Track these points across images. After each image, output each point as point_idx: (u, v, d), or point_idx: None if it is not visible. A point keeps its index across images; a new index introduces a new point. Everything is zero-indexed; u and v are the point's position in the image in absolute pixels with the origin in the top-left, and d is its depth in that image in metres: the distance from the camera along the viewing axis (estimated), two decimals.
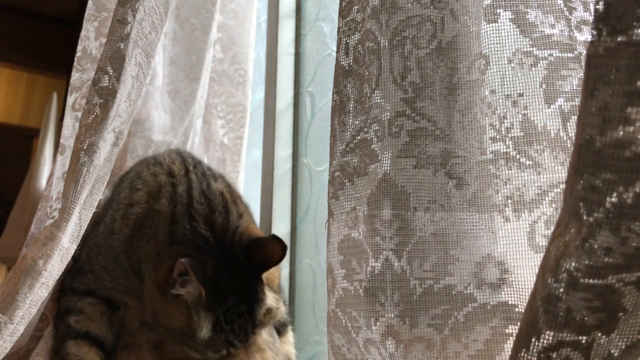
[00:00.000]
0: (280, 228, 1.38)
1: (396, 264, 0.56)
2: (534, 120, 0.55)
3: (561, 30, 0.56)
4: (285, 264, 1.34)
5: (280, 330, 1.02)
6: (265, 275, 0.86)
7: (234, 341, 0.81)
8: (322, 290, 1.23)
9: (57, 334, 0.88)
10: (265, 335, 0.96)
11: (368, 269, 0.58)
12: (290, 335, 1.05)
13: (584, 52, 0.54)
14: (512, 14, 0.57)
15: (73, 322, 0.87)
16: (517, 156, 0.56)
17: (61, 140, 0.98)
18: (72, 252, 0.73)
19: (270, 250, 0.84)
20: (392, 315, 0.55)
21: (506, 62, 0.57)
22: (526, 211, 0.55)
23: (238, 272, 0.84)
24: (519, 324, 0.46)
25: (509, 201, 0.56)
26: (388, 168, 0.58)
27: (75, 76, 1.04)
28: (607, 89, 0.35)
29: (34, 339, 0.89)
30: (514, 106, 0.57)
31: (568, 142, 0.54)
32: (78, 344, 0.85)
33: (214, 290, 0.80)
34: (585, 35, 0.56)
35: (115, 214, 0.92)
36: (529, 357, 0.39)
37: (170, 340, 0.85)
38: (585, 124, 0.36)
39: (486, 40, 0.58)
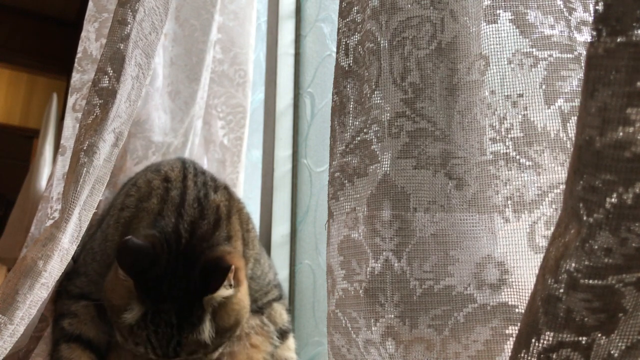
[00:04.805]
0: (280, 229, 1.38)
1: (396, 264, 0.56)
2: (533, 121, 0.55)
3: (561, 31, 0.56)
4: (285, 265, 1.34)
5: (281, 337, 1.02)
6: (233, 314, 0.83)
7: (155, 344, 0.78)
8: (322, 291, 1.23)
9: (52, 336, 0.89)
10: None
11: (368, 269, 0.57)
12: (291, 342, 1.05)
13: (584, 52, 0.54)
14: (511, 15, 0.57)
15: (66, 325, 0.87)
16: (517, 157, 0.56)
17: (61, 141, 0.99)
18: (72, 252, 0.73)
19: (216, 274, 0.79)
20: (392, 316, 0.55)
21: (506, 62, 0.57)
22: (526, 212, 0.55)
23: (187, 284, 0.80)
24: (519, 324, 0.46)
25: (509, 202, 0.56)
26: (388, 169, 0.58)
27: (75, 77, 1.04)
28: (607, 90, 0.35)
29: (33, 340, 0.89)
30: (514, 107, 0.57)
31: (568, 142, 0.54)
32: (71, 347, 0.86)
33: (151, 286, 0.79)
34: (585, 36, 0.56)
35: (110, 219, 0.93)
36: (529, 358, 0.39)
37: (109, 316, 0.83)
38: (585, 125, 0.36)
39: (486, 41, 0.58)
